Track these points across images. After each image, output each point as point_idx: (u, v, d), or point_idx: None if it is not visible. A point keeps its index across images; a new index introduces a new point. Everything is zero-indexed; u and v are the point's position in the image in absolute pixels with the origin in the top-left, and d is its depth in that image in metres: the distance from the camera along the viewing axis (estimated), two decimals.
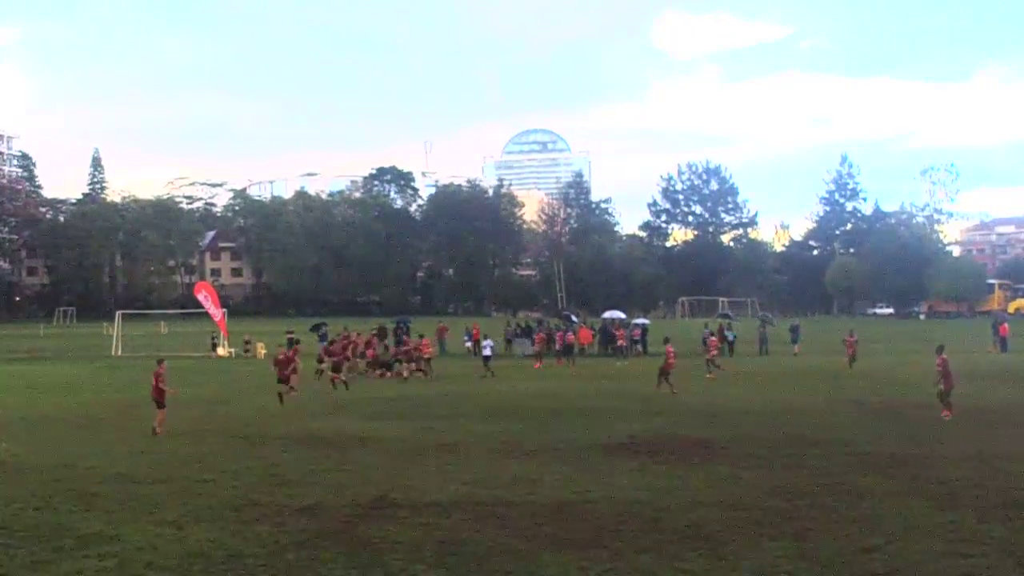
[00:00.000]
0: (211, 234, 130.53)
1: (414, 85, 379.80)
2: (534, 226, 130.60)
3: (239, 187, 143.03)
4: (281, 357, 25.57)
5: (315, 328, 46.32)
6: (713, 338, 37.93)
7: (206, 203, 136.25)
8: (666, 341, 29.65)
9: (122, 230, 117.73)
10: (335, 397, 27.14)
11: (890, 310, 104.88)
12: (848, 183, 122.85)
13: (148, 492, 13.78)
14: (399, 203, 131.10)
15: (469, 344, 46.79)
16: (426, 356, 34.93)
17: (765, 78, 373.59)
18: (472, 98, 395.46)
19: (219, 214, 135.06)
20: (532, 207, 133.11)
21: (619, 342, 44.88)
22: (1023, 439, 17.75)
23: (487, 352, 36.24)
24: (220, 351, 47.65)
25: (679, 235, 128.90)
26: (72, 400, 26.78)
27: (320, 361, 32.39)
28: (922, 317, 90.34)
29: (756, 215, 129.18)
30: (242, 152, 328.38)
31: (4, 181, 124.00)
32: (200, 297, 52.12)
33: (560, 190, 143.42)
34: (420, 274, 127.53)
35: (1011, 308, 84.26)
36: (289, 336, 39.86)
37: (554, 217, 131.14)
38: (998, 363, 36.45)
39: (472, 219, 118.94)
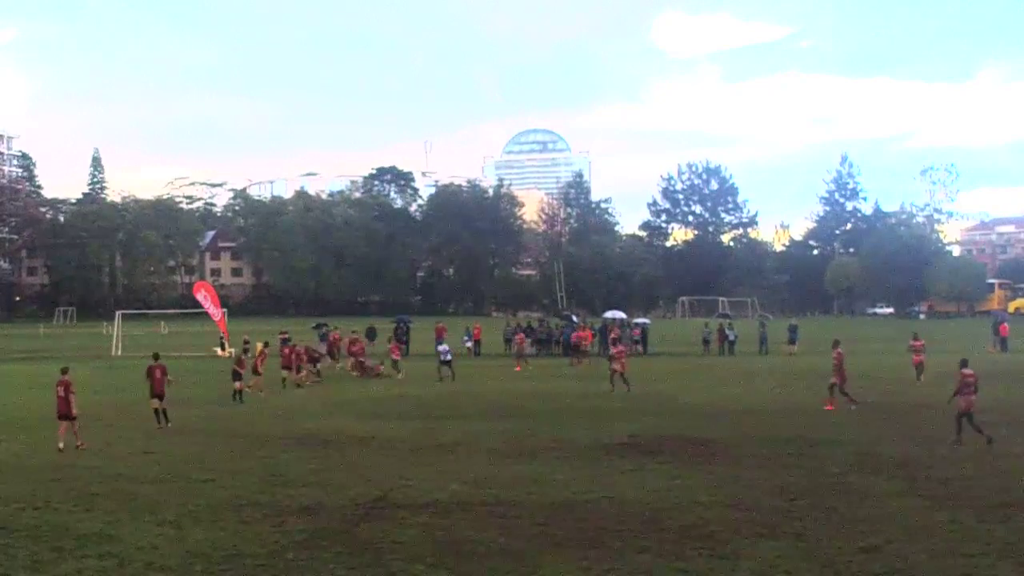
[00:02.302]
0: (211, 234, 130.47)
1: (414, 85, 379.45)
2: (534, 226, 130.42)
3: (239, 187, 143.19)
4: (157, 373, 20.77)
5: (316, 328, 46.53)
6: (621, 341, 35.90)
7: (206, 203, 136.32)
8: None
9: (122, 230, 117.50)
10: (334, 398, 27.17)
11: (890, 310, 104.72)
12: (848, 183, 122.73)
13: (148, 492, 13.79)
14: (399, 203, 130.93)
15: (469, 344, 47.05)
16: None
17: (765, 78, 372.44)
18: (472, 98, 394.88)
19: (219, 214, 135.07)
20: (532, 207, 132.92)
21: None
22: (1023, 439, 17.74)
23: (447, 357, 32.44)
24: (219, 351, 47.62)
25: (679, 235, 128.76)
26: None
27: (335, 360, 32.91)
28: (922, 317, 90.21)
29: (756, 215, 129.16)
30: (242, 152, 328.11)
31: (4, 181, 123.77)
32: (199, 297, 52.02)
33: (560, 190, 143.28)
34: (420, 274, 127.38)
35: (1011, 308, 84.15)
36: (283, 335, 40.04)
37: (554, 217, 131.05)
38: (998, 363, 36.39)
39: (472, 219, 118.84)
